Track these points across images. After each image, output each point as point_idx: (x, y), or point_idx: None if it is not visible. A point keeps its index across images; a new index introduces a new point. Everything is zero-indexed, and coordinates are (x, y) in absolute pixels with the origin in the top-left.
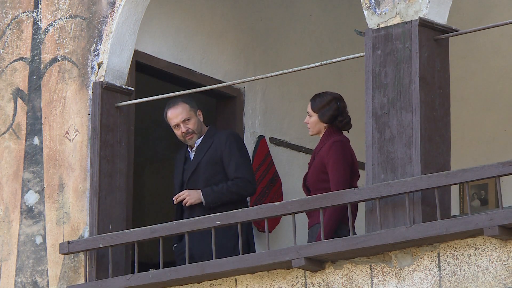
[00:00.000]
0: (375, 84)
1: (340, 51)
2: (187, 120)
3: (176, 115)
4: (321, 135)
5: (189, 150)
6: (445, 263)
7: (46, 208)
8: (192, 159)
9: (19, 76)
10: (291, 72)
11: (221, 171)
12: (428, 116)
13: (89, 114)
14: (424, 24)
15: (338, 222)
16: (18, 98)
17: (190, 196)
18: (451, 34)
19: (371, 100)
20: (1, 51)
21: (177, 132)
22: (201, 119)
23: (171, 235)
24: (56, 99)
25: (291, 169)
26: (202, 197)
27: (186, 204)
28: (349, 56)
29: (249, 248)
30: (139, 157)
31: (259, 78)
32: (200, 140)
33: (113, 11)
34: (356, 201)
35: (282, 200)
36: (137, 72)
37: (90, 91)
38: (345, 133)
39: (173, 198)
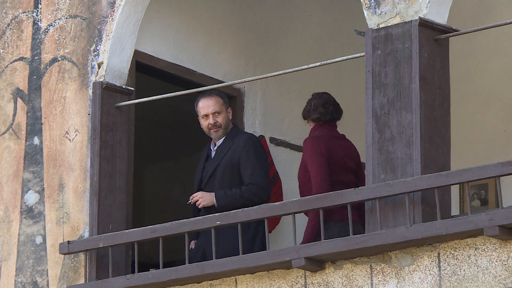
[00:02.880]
0: (375, 84)
1: (340, 51)
2: (218, 113)
3: (208, 105)
4: None
5: (211, 147)
6: (445, 263)
7: (46, 208)
8: (212, 158)
9: (19, 76)
10: (291, 72)
11: (238, 175)
12: (428, 116)
13: (89, 114)
14: (424, 24)
15: (317, 227)
16: (18, 98)
17: (203, 198)
18: (451, 34)
19: (371, 100)
20: (1, 51)
21: (204, 123)
22: (230, 117)
23: (171, 235)
24: (56, 99)
25: (291, 169)
26: (214, 200)
27: (199, 206)
28: (349, 56)
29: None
30: (139, 157)
31: (259, 78)
32: (222, 140)
33: (113, 11)
34: (356, 201)
35: (282, 200)
36: (137, 72)
37: (90, 91)
38: (346, 132)
39: (190, 198)
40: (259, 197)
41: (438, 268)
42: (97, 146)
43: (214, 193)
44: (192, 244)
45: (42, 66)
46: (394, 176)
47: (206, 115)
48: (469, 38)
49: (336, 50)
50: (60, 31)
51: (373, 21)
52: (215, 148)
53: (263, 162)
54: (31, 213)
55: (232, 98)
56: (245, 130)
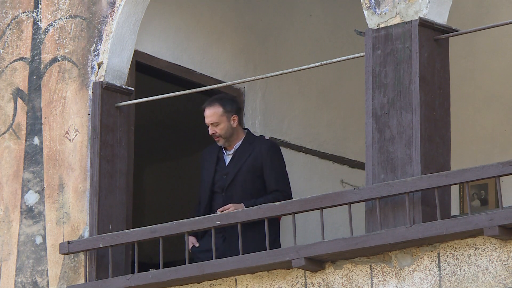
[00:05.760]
0: (375, 84)
1: (340, 51)
2: (216, 124)
3: (207, 115)
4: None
5: (224, 151)
6: (445, 263)
7: (46, 208)
8: (228, 162)
9: (19, 76)
10: (291, 72)
11: (260, 180)
12: (428, 116)
13: (89, 114)
14: (424, 24)
15: None
16: (18, 98)
17: (232, 208)
18: (451, 34)
19: (371, 100)
20: (1, 51)
21: (209, 130)
22: (235, 125)
23: (171, 235)
24: (56, 99)
25: (291, 169)
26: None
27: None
28: (349, 56)
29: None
30: (139, 157)
31: (259, 78)
32: (239, 144)
33: (113, 11)
34: (356, 201)
35: None
36: (137, 72)
37: (90, 91)
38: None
39: (218, 210)
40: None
41: (438, 268)
42: (97, 146)
43: (243, 204)
44: (194, 242)
45: (42, 66)
46: (394, 176)
47: (208, 124)
48: (469, 38)
49: (336, 50)
50: (60, 31)
51: (373, 21)
52: (232, 152)
53: (285, 169)
54: (31, 213)
55: None
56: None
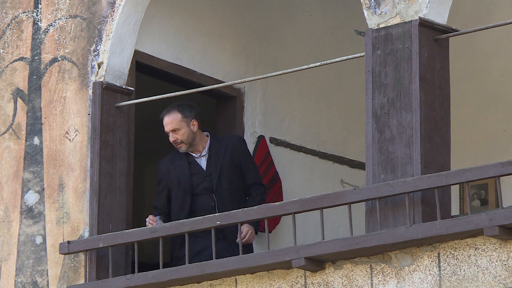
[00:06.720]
0: (375, 84)
1: (340, 51)
2: (176, 130)
3: (166, 123)
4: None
5: (194, 155)
6: (445, 263)
7: (46, 208)
8: (205, 164)
9: (19, 76)
10: (291, 72)
11: (240, 176)
12: (428, 116)
13: (89, 114)
14: (424, 24)
15: None
16: (18, 98)
17: (250, 232)
18: (451, 34)
19: (371, 100)
20: (1, 51)
21: (169, 138)
22: (195, 129)
23: (171, 235)
24: (56, 99)
25: (291, 169)
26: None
27: (251, 240)
28: (349, 56)
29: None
30: (139, 157)
31: (259, 78)
32: (208, 145)
33: (113, 11)
34: (356, 201)
35: (282, 200)
36: (137, 72)
37: (90, 91)
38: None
39: (242, 241)
40: (265, 195)
41: (438, 268)
42: (97, 146)
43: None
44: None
45: (42, 66)
46: (394, 176)
47: (168, 132)
48: (469, 38)
49: (336, 50)
50: (60, 31)
51: (373, 21)
52: (204, 154)
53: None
54: (31, 213)
55: (232, 98)
56: (245, 130)
